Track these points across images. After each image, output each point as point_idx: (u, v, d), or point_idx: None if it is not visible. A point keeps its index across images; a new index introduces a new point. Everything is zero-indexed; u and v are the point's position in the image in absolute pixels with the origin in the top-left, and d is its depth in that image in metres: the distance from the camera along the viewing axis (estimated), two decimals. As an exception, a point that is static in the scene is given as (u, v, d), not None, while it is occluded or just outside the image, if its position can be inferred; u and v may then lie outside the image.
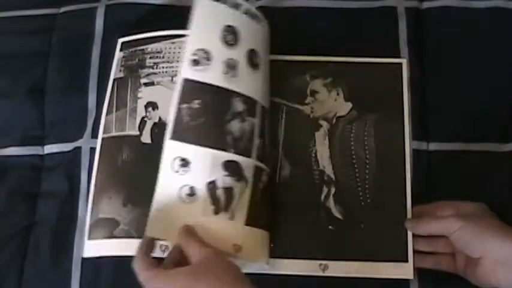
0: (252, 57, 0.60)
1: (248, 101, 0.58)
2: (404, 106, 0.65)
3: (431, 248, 0.59)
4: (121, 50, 0.67)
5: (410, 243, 0.59)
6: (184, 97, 0.56)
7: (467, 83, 0.67)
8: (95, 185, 0.62)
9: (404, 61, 0.67)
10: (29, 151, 0.67)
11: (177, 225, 0.53)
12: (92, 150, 0.65)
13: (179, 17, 0.69)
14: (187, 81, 0.57)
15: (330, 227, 0.61)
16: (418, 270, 0.59)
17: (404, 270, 0.59)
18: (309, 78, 0.66)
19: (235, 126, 0.57)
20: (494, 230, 0.53)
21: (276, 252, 0.60)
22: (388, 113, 0.65)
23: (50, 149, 0.67)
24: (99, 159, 0.63)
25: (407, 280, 0.59)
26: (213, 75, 0.57)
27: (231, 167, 0.56)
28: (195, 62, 0.57)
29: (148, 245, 0.52)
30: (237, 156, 0.56)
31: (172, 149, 0.56)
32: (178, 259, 0.51)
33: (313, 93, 0.65)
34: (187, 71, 0.57)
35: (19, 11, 0.73)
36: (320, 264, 0.60)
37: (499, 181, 0.63)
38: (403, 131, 0.64)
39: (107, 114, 0.65)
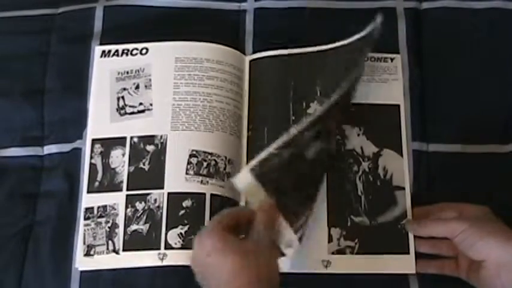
0: None
1: None
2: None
3: (434, 251, 0.59)
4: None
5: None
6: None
7: (467, 83, 0.67)
8: None
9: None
10: (28, 152, 0.67)
11: None
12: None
13: (177, 19, 0.69)
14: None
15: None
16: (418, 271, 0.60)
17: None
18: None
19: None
20: (498, 233, 0.53)
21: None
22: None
23: (49, 149, 0.67)
24: None
25: (407, 279, 0.60)
26: None
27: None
28: None
29: (235, 213, 0.53)
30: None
31: None
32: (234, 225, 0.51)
33: None
34: None
35: (17, 11, 0.73)
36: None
37: (499, 182, 0.63)
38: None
39: None
